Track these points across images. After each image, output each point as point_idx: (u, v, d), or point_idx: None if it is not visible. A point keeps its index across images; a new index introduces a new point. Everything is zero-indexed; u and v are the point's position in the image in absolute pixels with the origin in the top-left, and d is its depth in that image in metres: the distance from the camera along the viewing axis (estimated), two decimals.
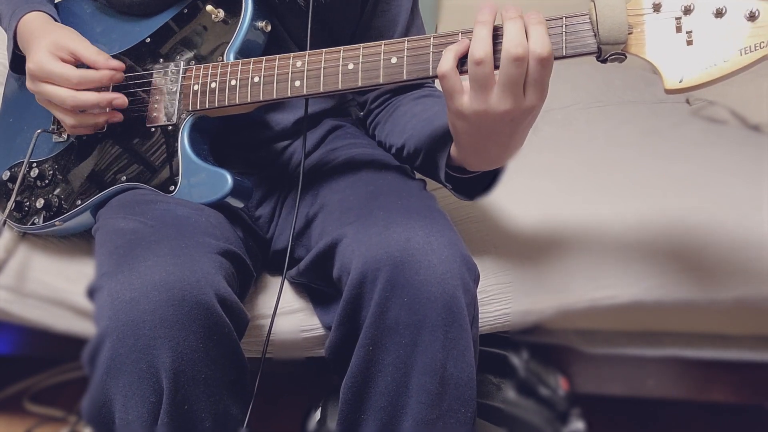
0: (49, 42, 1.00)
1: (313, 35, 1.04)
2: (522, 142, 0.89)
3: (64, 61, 1.00)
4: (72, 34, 1.03)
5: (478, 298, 0.93)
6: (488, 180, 0.98)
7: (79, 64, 1.01)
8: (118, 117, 1.03)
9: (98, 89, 1.01)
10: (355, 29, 1.13)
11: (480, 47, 0.80)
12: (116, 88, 1.05)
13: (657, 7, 0.79)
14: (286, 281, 1.13)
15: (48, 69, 0.98)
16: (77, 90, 0.99)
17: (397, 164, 1.09)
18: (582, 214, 1.28)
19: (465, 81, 0.83)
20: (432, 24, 2.16)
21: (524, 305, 1.19)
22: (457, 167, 0.96)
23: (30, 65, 0.99)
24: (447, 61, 0.83)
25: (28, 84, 1.01)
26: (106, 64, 1.00)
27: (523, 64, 0.78)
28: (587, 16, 0.81)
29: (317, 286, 1.07)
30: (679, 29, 0.78)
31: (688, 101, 1.82)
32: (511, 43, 0.78)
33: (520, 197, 1.34)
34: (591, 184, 1.38)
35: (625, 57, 0.81)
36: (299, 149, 1.14)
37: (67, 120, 1.01)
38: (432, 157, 1.00)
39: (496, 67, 0.81)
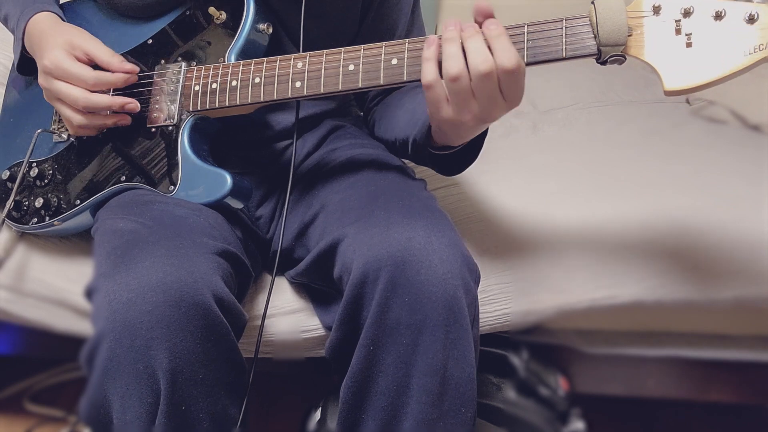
0: (64, 41, 1.00)
1: (313, 37, 1.04)
2: None
3: (78, 59, 1.00)
4: (85, 34, 1.03)
5: (479, 298, 0.93)
6: (472, 148, 0.98)
7: (93, 65, 1.01)
8: (126, 120, 1.03)
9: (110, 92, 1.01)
10: (356, 33, 1.13)
11: (453, 64, 0.80)
12: (116, 89, 1.05)
13: (657, 10, 0.79)
14: (286, 281, 1.14)
15: (64, 67, 0.98)
16: (91, 91, 0.98)
17: (397, 164, 1.09)
18: (582, 213, 1.28)
19: None
20: (432, 24, 2.16)
21: (524, 305, 1.19)
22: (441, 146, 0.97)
23: (45, 62, 0.99)
24: (430, 72, 0.83)
25: (41, 80, 1.01)
26: (120, 67, 1.00)
27: (493, 77, 0.79)
28: (587, 18, 0.81)
29: (317, 286, 1.07)
30: (678, 31, 0.78)
31: (688, 101, 1.82)
32: (477, 60, 0.79)
33: (520, 197, 1.34)
34: (591, 184, 1.38)
35: (625, 59, 0.81)
36: (300, 149, 1.14)
37: (75, 119, 1.01)
38: (418, 145, 1.00)
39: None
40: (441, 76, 0.83)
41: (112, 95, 1.02)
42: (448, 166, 1.00)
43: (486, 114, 0.82)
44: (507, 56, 0.79)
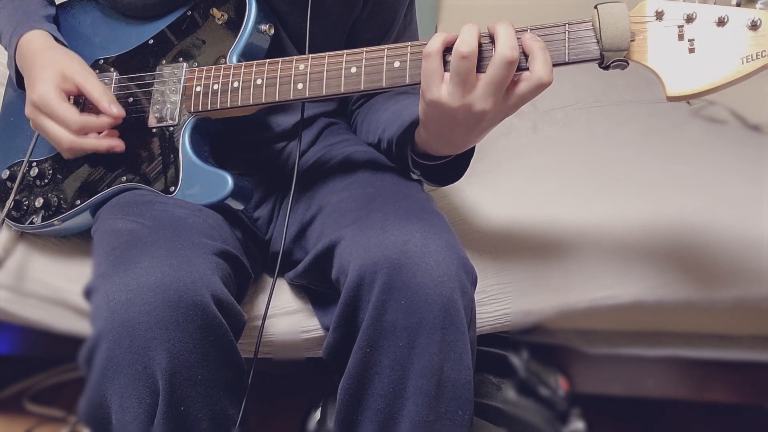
0: (56, 73, 0.98)
1: (313, 36, 1.04)
2: (490, 131, 0.90)
3: (68, 93, 0.99)
4: (78, 64, 1.01)
5: (479, 298, 0.94)
6: (458, 165, 0.99)
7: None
8: (120, 149, 1.01)
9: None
10: (350, 31, 1.13)
11: (467, 43, 0.81)
12: (118, 89, 1.05)
13: (660, 15, 0.79)
14: (285, 282, 1.13)
15: (51, 106, 0.97)
16: (76, 135, 0.98)
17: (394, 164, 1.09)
18: (582, 213, 1.28)
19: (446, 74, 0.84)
20: (432, 24, 2.16)
21: (524, 305, 1.19)
22: (425, 154, 0.97)
23: (33, 96, 0.98)
24: (435, 44, 0.83)
25: (27, 111, 1.00)
26: (108, 109, 0.98)
27: (514, 68, 0.79)
28: (590, 23, 0.81)
29: (316, 288, 1.07)
30: (681, 37, 0.78)
31: (688, 101, 1.82)
32: (506, 46, 0.79)
33: (520, 197, 1.34)
34: (591, 184, 1.38)
35: (627, 64, 0.81)
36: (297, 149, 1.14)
37: (63, 153, 1.02)
38: (401, 146, 1.00)
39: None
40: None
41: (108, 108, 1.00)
42: (429, 175, 1.00)
43: (478, 104, 0.82)
44: (546, 69, 0.80)
